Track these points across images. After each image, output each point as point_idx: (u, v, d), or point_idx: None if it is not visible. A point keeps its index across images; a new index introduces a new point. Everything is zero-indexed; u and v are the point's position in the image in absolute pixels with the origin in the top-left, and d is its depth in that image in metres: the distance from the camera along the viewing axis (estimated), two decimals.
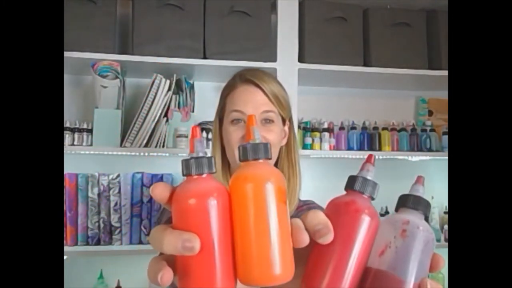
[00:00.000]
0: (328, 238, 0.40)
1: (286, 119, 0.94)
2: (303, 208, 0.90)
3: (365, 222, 0.41)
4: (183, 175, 0.40)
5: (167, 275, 0.37)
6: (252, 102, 0.87)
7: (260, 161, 0.41)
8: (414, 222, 0.42)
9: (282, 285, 0.39)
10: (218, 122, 0.94)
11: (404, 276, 0.40)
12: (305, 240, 0.39)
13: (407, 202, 0.43)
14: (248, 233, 0.38)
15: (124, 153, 1.69)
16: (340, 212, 0.42)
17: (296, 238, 0.39)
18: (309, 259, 0.42)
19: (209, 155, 0.40)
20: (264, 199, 0.38)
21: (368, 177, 0.45)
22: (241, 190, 0.39)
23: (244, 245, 0.38)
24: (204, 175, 0.40)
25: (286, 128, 0.95)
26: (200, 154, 0.40)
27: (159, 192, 0.39)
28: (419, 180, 0.45)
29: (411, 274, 0.40)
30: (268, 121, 0.89)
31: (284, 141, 0.95)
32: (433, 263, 0.42)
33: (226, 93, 0.93)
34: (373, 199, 0.44)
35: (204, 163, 0.39)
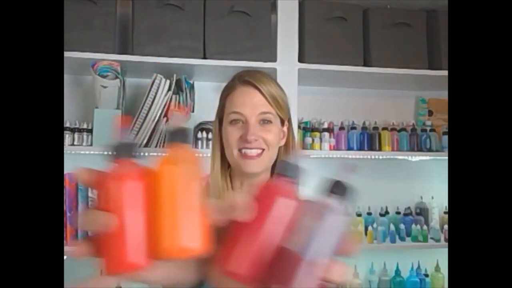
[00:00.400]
0: (240, 216, 0.44)
1: (285, 120, 0.95)
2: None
3: (278, 203, 0.45)
4: (109, 160, 0.44)
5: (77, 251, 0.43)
6: (250, 103, 0.89)
7: (178, 145, 0.45)
8: (324, 204, 0.45)
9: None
10: (218, 123, 0.95)
11: (303, 254, 0.43)
12: (216, 217, 0.44)
13: (327, 186, 0.47)
14: (159, 210, 0.42)
15: None
16: (260, 195, 0.47)
17: (210, 216, 0.44)
18: (229, 237, 0.46)
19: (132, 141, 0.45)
20: (172, 179, 0.43)
21: (291, 162, 0.49)
22: (156, 172, 0.43)
23: (156, 221, 0.42)
24: (126, 160, 0.44)
25: (285, 128, 0.96)
26: (126, 141, 0.44)
27: (84, 176, 0.43)
28: (349, 168, 0.49)
29: (311, 252, 0.43)
30: (266, 121, 0.90)
31: (283, 142, 0.96)
32: (345, 246, 0.45)
33: (226, 94, 0.95)
34: (297, 183, 0.48)
35: (124, 149, 0.44)
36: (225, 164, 0.95)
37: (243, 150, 0.88)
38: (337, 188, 0.47)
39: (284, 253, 0.44)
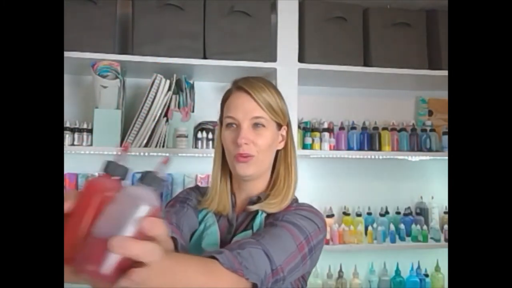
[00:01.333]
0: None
1: (282, 124, 0.98)
2: (290, 209, 0.95)
3: (94, 197, 0.53)
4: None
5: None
6: (243, 108, 0.93)
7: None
8: (121, 190, 0.53)
9: None
10: (220, 127, 0.99)
11: (99, 235, 0.49)
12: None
13: (140, 177, 0.56)
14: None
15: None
16: (84, 190, 0.55)
17: None
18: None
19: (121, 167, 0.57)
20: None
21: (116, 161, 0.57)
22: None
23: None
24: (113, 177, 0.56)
25: (284, 132, 0.99)
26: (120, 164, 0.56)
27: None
28: (163, 161, 0.58)
29: (106, 233, 0.48)
30: (258, 125, 0.93)
31: (282, 145, 0.99)
32: (146, 226, 0.50)
33: (224, 99, 0.99)
34: (122, 179, 0.57)
35: (116, 169, 0.56)
36: (226, 167, 0.98)
37: (237, 154, 0.92)
38: (146, 179, 0.55)
39: (89, 240, 0.50)
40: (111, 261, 0.48)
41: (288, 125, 1.00)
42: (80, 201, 0.53)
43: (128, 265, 0.49)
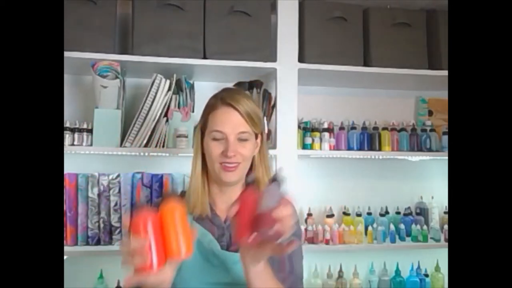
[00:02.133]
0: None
1: (258, 133, 1.10)
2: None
3: (255, 197, 0.85)
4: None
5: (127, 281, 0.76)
6: (230, 123, 1.05)
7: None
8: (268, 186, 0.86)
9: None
10: (200, 134, 1.11)
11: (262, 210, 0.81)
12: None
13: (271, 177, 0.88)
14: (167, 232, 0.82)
15: (124, 153, 1.69)
16: (244, 195, 0.89)
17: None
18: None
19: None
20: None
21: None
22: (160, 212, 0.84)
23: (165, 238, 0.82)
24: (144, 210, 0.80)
25: (258, 140, 1.12)
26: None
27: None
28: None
29: (264, 206, 0.81)
30: (243, 139, 1.06)
31: (257, 151, 1.12)
32: (282, 202, 0.81)
33: (208, 111, 1.09)
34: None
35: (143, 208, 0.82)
36: (205, 171, 1.11)
37: (223, 164, 1.05)
38: (275, 178, 0.85)
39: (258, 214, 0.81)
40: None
41: (262, 132, 1.12)
42: (245, 201, 0.84)
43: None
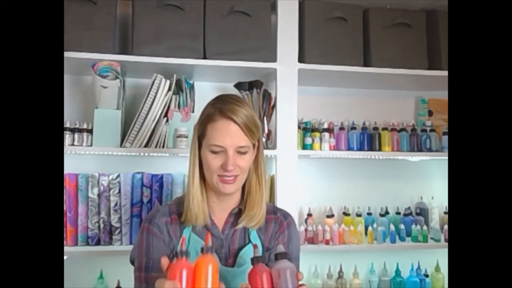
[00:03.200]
0: None
1: (255, 143, 1.10)
2: (272, 218, 1.15)
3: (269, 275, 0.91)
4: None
5: None
6: (230, 137, 1.04)
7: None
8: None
9: None
10: (198, 144, 1.10)
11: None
12: None
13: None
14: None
15: (124, 153, 1.69)
16: (253, 272, 0.92)
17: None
18: None
19: None
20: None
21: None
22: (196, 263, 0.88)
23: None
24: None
25: (255, 149, 1.11)
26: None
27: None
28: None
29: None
30: (242, 152, 1.06)
31: (252, 158, 1.11)
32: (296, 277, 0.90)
33: (206, 122, 1.07)
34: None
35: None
36: (202, 179, 1.10)
37: (222, 176, 1.05)
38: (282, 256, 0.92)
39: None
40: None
41: (259, 139, 1.11)
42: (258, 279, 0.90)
43: None
